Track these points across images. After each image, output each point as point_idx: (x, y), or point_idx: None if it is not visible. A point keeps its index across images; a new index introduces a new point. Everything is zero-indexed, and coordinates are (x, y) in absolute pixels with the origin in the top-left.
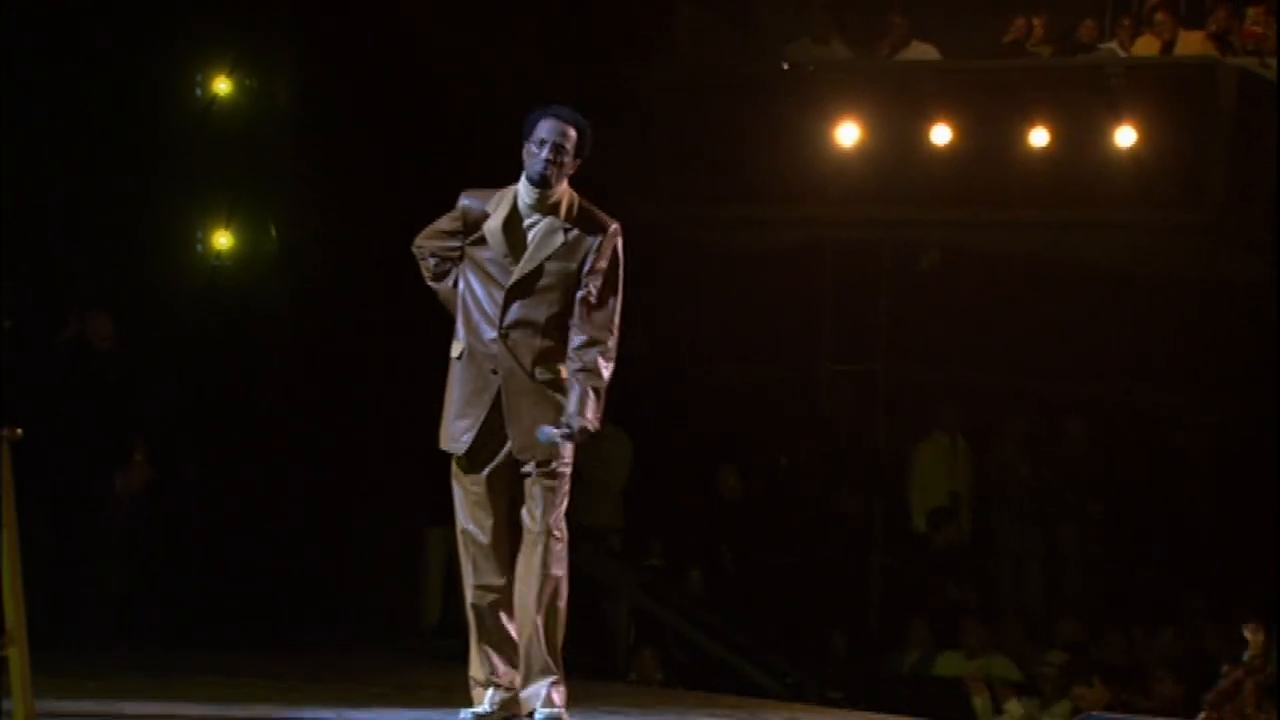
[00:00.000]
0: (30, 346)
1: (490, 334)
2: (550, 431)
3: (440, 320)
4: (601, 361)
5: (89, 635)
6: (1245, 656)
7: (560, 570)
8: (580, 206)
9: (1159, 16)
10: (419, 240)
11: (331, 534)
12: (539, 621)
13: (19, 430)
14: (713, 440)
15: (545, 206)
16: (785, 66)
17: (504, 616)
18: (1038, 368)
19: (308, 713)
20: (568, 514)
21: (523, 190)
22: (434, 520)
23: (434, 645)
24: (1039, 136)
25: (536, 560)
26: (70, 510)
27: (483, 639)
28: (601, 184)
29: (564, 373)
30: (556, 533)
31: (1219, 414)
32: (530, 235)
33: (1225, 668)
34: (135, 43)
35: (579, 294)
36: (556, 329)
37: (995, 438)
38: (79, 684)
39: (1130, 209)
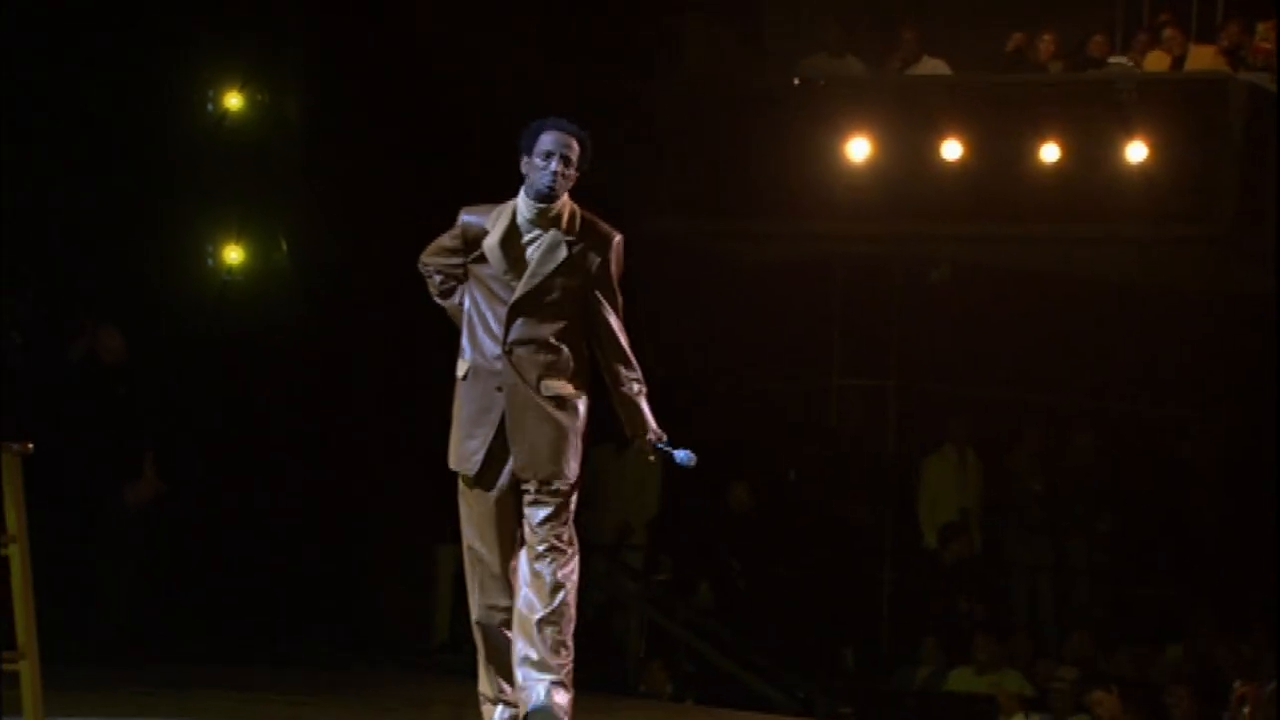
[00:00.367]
0: (41, 360)
1: (495, 351)
2: (685, 455)
3: (449, 335)
4: (636, 367)
5: (99, 649)
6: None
7: (566, 575)
8: (582, 219)
9: (1168, 32)
10: (423, 258)
11: (341, 549)
12: (539, 621)
13: (29, 444)
14: (722, 454)
15: (546, 220)
16: (796, 81)
17: (510, 635)
18: (1048, 381)
19: None
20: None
21: (522, 205)
22: (443, 536)
23: (444, 660)
24: (1050, 151)
25: (540, 567)
26: (81, 524)
27: (490, 658)
28: (612, 197)
29: (570, 388)
30: (560, 544)
31: (1228, 426)
32: (531, 250)
33: (1237, 684)
34: (147, 58)
35: (598, 309)
36: (561, 345)
37: (1005, 451)
38: (89, 698)
39: (1140, 223)
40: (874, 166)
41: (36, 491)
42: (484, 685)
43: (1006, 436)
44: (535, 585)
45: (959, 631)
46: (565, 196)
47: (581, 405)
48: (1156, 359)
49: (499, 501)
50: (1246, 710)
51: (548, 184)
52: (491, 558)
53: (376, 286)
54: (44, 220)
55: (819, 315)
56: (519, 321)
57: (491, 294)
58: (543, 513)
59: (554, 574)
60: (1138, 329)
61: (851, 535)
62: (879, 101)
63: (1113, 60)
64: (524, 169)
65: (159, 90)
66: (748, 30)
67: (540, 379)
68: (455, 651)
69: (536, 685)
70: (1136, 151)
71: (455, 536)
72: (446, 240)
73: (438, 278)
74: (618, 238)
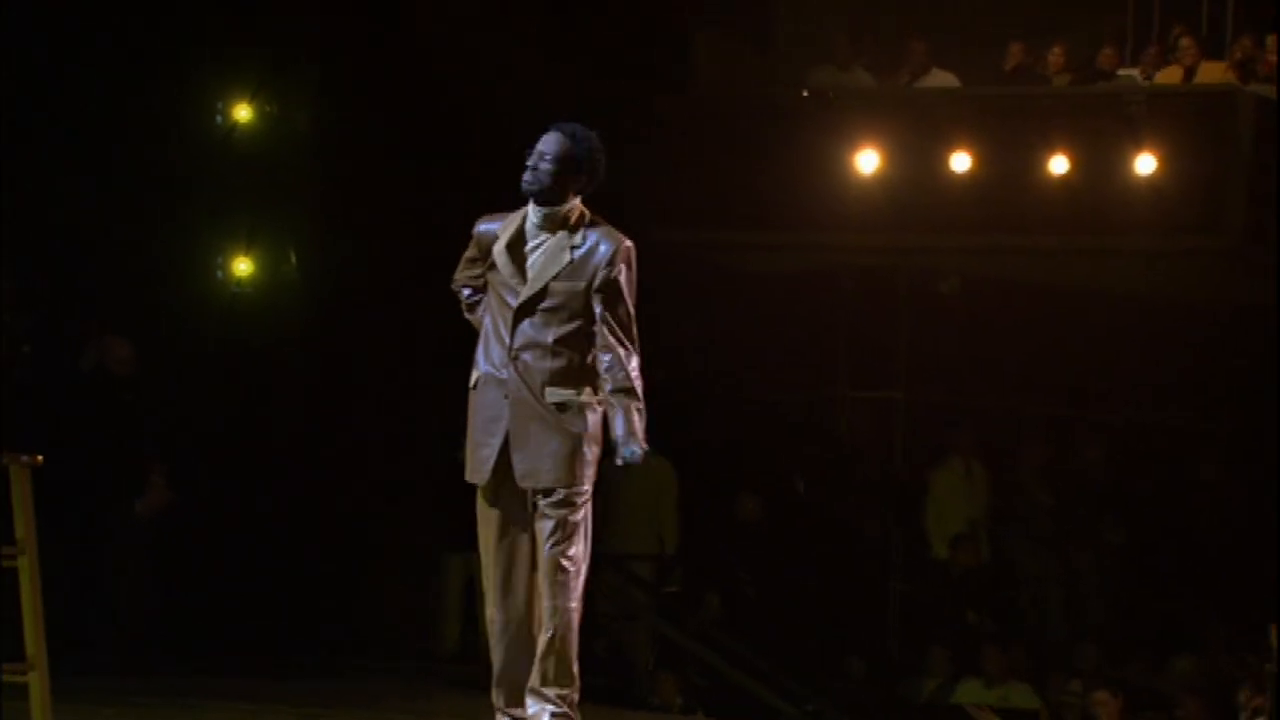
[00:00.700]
0: (50, 371)
1: (501, 358)
2: (633, 451)
3: (460, 346)
4: (635, 377)
5: (109, 660)
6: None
7: (567, 602)
8: (591, 223)
9: (1184, 42)
10: (454, 276)
11: (349, 558)
12: (541, 652)
13: (39, 456)
14: (731, 465)
15: (553, 224)
16: (805, 93)
17: (518, 648)
18: (1055, 393)
19: None
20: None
21: (531, 209)
22: (451, 546)
23: (452, 671)
24: (1058, 164)
25: (545, 590)
26: (90, 535)
27: (499, 668)
28: (621, 208)
29: (576, 395)
30: (566, 565)
31: (1236, 437)
32: (536, 255)
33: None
34: (157, 70)
35: (597, 311)
36: (567, 350)
37: (1013, 463)
38: (98, 710)
39: (1149, 235)
40: (882, 178)
41: (46, 502)
42: (494, 695)
43: (1014, 448)
44: (542, 611)
45: (967, 643)
46: (576, 201)
47: (589, 413)
48: (1165, 370)
49: (504, 511)
50: None
51: (525, 181)
52: (491, 568)
53: (385, 298)
54: (53, 230)
55: (827, 326)
56: (524, 325)
57: (501, 300)
58: (548, 527)
59: (559, 601)
60: (1146, 340)
61: (859, 546)
62: (888, 113)
63: (1122, 73)
64: None
65: (169, 102)
66: (757, 41)
67: (545, 385)
68: (463, 662)
69: (540, 715)
70: (1145, 164)
71: (463, 546)
72: (468, 252)
73: (466, 292)
74: (626, 243)
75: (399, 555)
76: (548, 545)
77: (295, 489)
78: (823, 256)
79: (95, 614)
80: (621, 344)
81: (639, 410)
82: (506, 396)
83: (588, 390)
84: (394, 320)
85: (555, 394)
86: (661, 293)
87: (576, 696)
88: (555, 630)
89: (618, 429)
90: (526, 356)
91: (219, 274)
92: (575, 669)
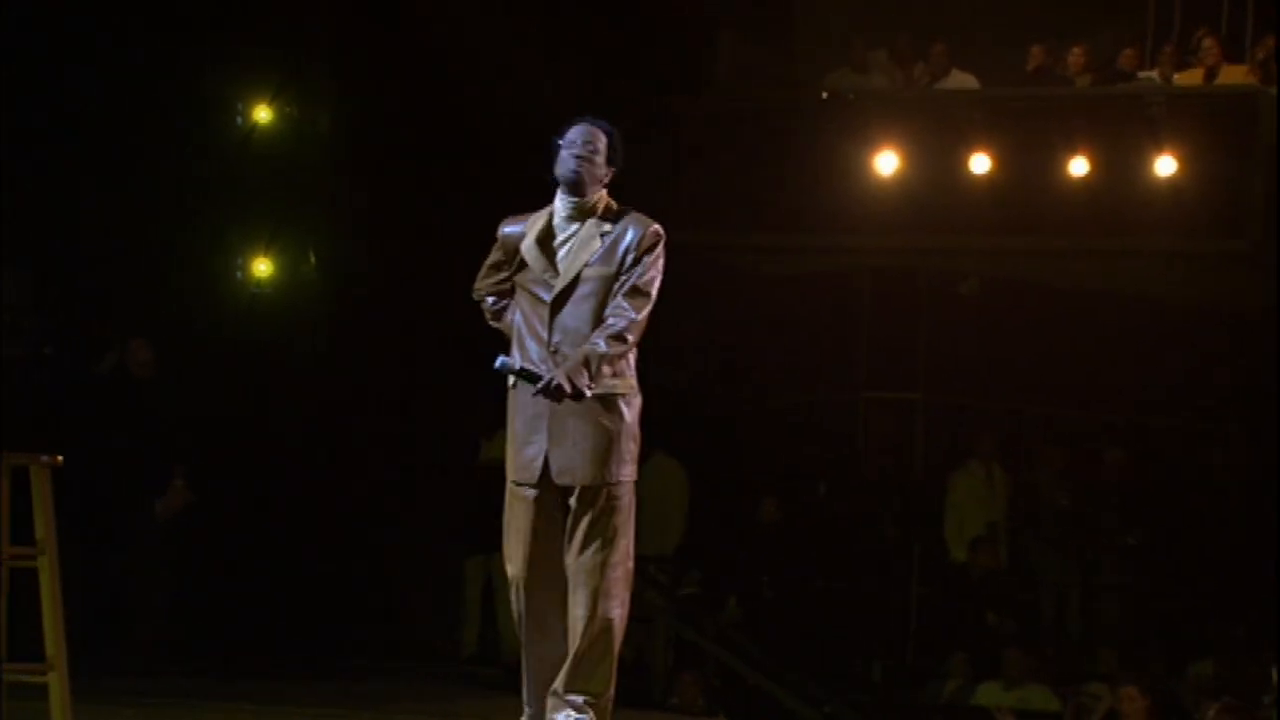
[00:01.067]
0: (71, 373)
1: (539, 353)
2: (502, 361)
3: (483, 346)
4: (616, 342)
5: (128, 661)
6: None
7: (613, 609)
8: (619, 210)
9: (1205, 43)
10: (475, 285)
11: (369, 560)
12: (575, 657)
13: (59, 457)
14: (750, 468)
15: (582, 214)
16: (825, 95)
17: (544, 650)
18: (1075, 395)
19: None
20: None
21: (558, 203)
22: (472, 548)
23: (472, 672)
24: (1078, 165)
25: (585, 595)
26: (110, 536)
27: (525, 666)
28: (641, 210)
29: (616, 387)
30: (605, 568)
31: (1257, 442)
32: (567, 246)
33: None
34: (177, 70)
35: (616, 286)
36: None
37: (1033, 466)
38: (118, 710)
39: (1169, 237)
40: (902, 180)
41: (66, 503)
42: (524, 693)
43: (1033, 451)
44: (577, 617)
45: (987, 646)
46: (602, 191)
47: (627, 406)
48: (1184, 373)
49: (540, 509)
50: None
51: (571, 169)
52: (518, 562)
53: (405, 299)
54: (74, 233)
55: (847, 328)
56: (561, 318)
57: (534, 298)
58: (585, 529)
59: (592, 607)
60: (1165, 343)
61: (879, 549)
62: (907, 115)
63: (1143, 74)
64: (556, 168)
65: (189, 104)
66: (778, 43)
67: None
68: (483, 664)
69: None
70: (1165, 165)
71: (484, 547)
72: (491, 257)
73: (490, 299)
74: (655, 226)
75: (418, 557)
76: (585, 549)
77: (313, 489)
78: (842, 258)
79: (114, 615)
80: (624, 313)
81: (592, 356)
82: None
83: (627, 382)
84: (413, 320)
85: (594, 387)
86: (681, 295)
87: (610, 704)
88: (592, 637)
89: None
90: (566, 349)
91: (239, 275)
92: (613, 674)
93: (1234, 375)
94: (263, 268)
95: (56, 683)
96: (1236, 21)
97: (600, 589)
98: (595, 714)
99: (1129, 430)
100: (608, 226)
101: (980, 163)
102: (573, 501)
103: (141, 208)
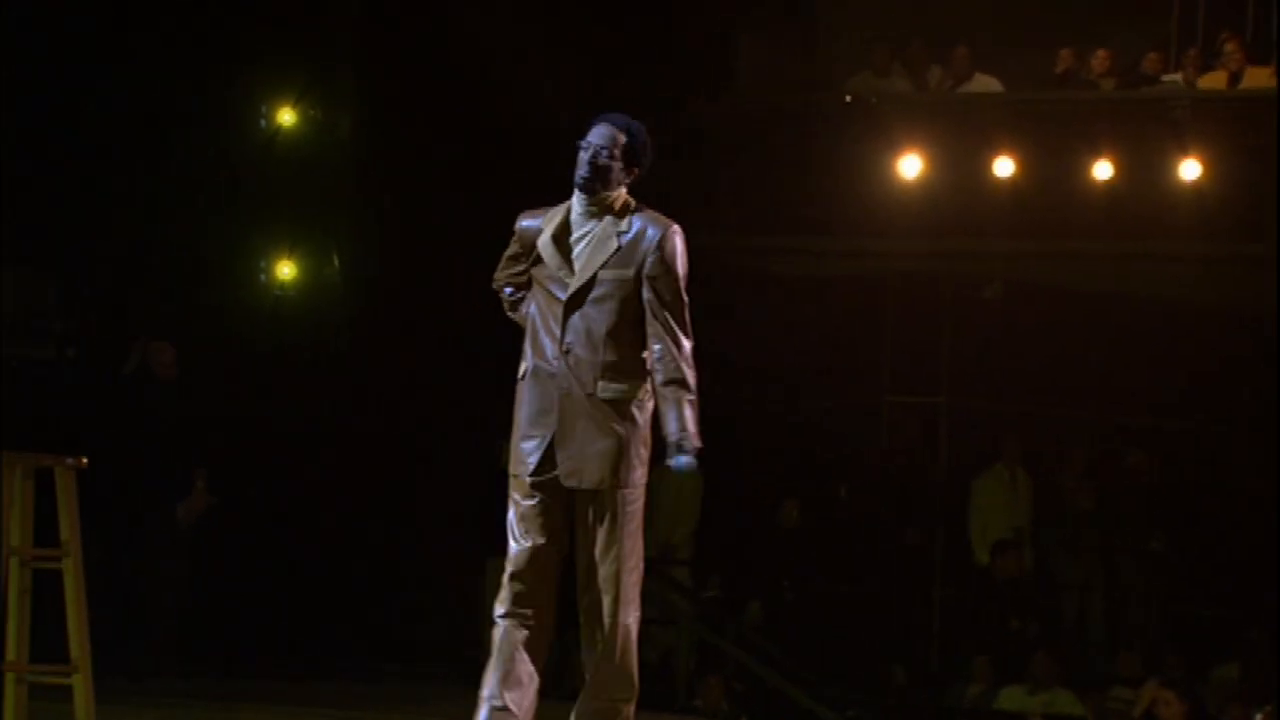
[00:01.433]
0: (94, 375)
1: (553, 351)
2: (682, 461)
3: (505, 345)
4: (686, 369)
5: (151, 663)
6: None
7: (630, 615)
8: (637, 210)
9: (1229, 47)
10: (495, 275)
11: (391, 561)
12: (596, 666)
13: (83, 459)
14: (773, 471)
15: (599, 212)
16: (848, 99)
17: (524, 647)
18: (1099, 399)
19: None
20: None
21: (576, 200)
22: (494, 549)
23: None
24: (1102, 169)
25: (607, 604)
26: (133, 538)
27: (495, 658)
28: (664, 213)
29: (629, 390)
30: (625, 575)
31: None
32: (583, 244)
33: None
34: (201, 74)
35: (646, 298)
36: (620, 343)
37: (1057, 469)
38: (142, 712)
39: (1193, 241)
40: (926, 183)
41: (90, 505)
42: (483, 686)
43: (1056, 453)
44: (597, 626)
45: (1010, 650)
46: (622, 191)
47: (640, 410)
48: (1208, 376)
49: (545, 504)
50: None
51: (581, 174)
52: (525, 560)
53: (427, 300)
54: (97, 236)
55: (869, 332)
56: (575, 318)
57: (549, 294)
58: (595, 535)
59: (619, 617)
60: (1190, 347)
61: (902, 552)
62: (931, 118)
63: (1167, 78)
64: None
65: (213, 106)
66: (801, 46)
67: (597, 380)
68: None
69: None
70: (1190, 169)
71: (506, 549)
72: (509, 250)
73: (507, 290)
74: (674, 227)
75: (442, 558)
76: (601, 556)
77: (337, 491)
78: (865, 262)
79: (139, 617)
80: (671, 333)
81: (690, 403)
82: (557, 390)
83: (641, 385)
84: (436, 322)
85: (608, 389)
86: (703, 298)
87: (633, 709)
88: (614, 646)
89: (670, 426)
90: (579, 350)
91: (262, 277)
92: (635, 679)
93: (1258, 379)
94: (286, 270)
95: (81, 684)
96: (1261, 24)
97: (619, 597)
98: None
99: (1152, 434)
100: (625, 226)
101: (1004, 166)
102: (580, 504)
103: (165, 211)
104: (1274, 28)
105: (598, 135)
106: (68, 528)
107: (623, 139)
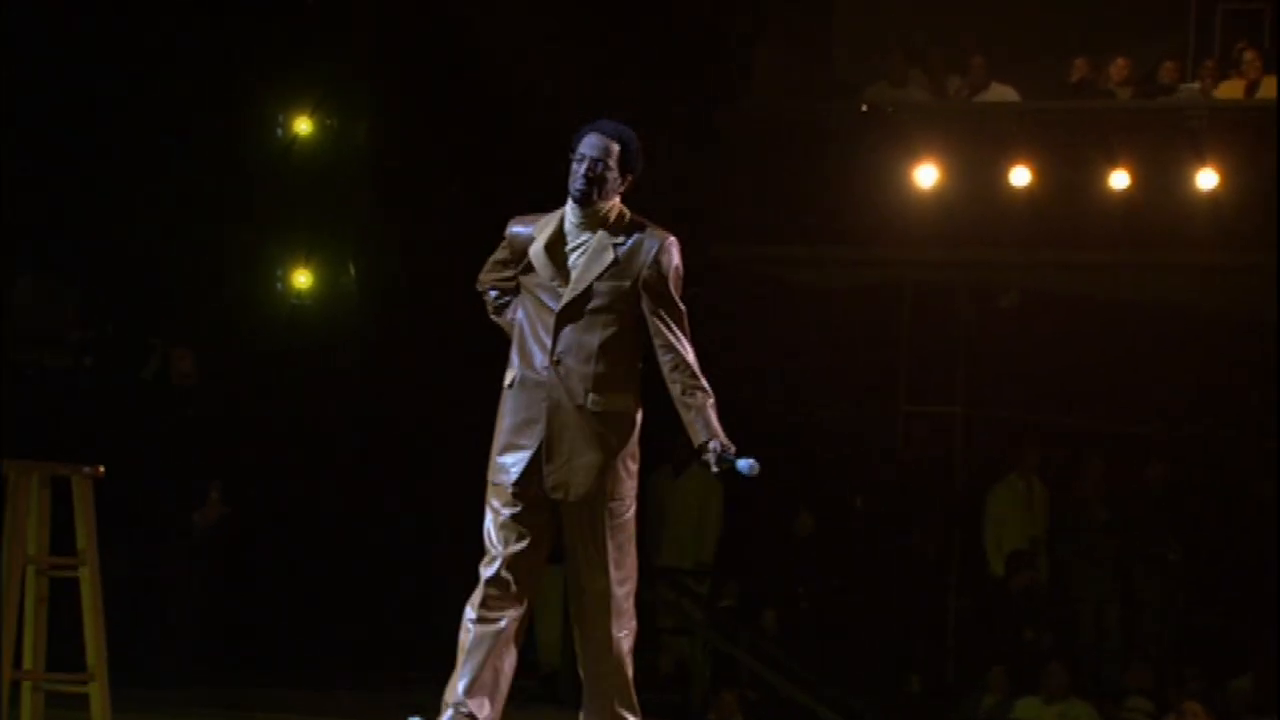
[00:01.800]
0: (112, 383)
1: (543, 361)
2: (747, 465)
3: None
4: (700, 375)
5: (168, 671)
6: None
7: (624, 628)
8: (632, 221)
9: (1247, 56)
10: (480, 277)
11: (413, 573)
12: (599, 688)
13: (101, 468)
14: (788, 481)
15: (594, 223)
16: (864, 108)
17: (494, 655)
18: (1115, 409)
19: None
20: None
21: (569, 210)
22: None
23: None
24: (1119, 178)
25: (602, 621)
26: (150, 546)
27: (463, 662)
28: (679, 222)
29: (619, 403)
30: (618, 587)
31: None
32: (577, 255)
33: None
34: (218, 83)
35: (647, 310)
36: (611, 354)
37: (1073, 480)
38: None
39: (1210, 250)
40: (942, 193)
41: (107, 513)
42: (447, 690)
43: (1073, 464)
44: (600, 646)
45: (1025, 660)
46: (615, 201)
47: (629, 423)
48: (1225, 386)
49: (528, 513)
50: None
51: (577, 187)
52: (502, 565)
53: (444, 310)
54: (115, 244)
55: (886, 341)
56: (567, 330)
57: (540, 303)
58: (583, 550)
59: (601, 631)
60: (1206, 356)
61: (917, 562)
62: (947, 128)
63: (1184, 87)
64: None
65: (231, 115)
66: (817, 55)
67: (587, 392)
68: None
69: None
70: (1207, 179)
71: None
72: (497, 253)
73: (493, 293)
74: (670, 239)
75: (460, 567)
76: (592, 571)
77: (355, 500)
78: (881, 271)
79: (156, 625)
80: (679, 342)
81: (714, 407)
82: (546, 400)
83: (631, 399)
84: (451, 331)
85: (598, 402)
86: (719, 307)
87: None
88: (611, 662)
89: (701, 435)
90: (570, 361)
91: (279, 286)
92: (632, 693)
93: (1276, 388)
94: (302, 279)
95: (97, 693)
96: (1278, 34)
97: (610, 610)
98: None
99: (1169, 444)
100: (621, 238)
101: (1020, 175)
102: (569, 517)
103: (182, 219)
104: None
105: (591, 146)
106: (85, 536)
107: (616, 148)
